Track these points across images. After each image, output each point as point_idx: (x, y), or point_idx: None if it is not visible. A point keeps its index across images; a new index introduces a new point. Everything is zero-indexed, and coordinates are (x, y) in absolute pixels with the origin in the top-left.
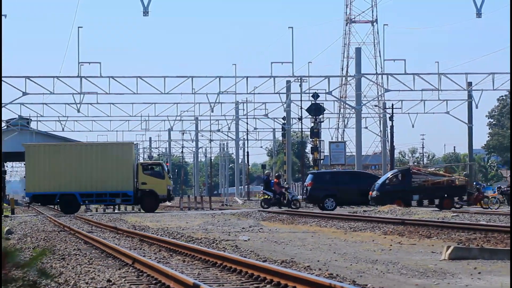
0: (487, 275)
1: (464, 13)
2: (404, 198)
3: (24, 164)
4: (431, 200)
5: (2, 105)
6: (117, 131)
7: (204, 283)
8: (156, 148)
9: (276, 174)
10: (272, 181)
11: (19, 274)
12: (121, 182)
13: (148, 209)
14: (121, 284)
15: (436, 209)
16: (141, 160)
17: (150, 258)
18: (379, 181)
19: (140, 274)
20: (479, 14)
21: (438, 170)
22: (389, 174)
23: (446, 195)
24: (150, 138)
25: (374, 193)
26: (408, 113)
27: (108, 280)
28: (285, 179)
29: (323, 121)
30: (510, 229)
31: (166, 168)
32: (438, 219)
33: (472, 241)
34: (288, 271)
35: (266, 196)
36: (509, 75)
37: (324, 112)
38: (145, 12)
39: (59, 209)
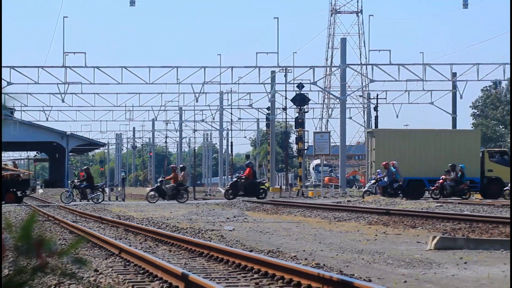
0: (473, 265)
1: (450, 4)
2: None
3: (373, 148)
4: None
5: None
6: (101, 121)
7: (193, 273)
8: (139, 138)
9: None
10: None
11: (58, 263)
12: (469, 169)
13: (494, 196)
14: (109, 274)
15: (416, 200)
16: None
17: (136, 247)
18: None
19: (127, 263)
20: (465, 5)
21: (5, 165)
22: None
23: (9, 189)
24: (134, 128)
25: None
26: (393, 103)
27: (95, 270)
28: (269, 169)
29: (307, 111)
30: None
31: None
32: (422, 209)
33: (457, 231)
34: (275, 261)
35: None
36: (493, 65)
37: (309, 102)
38: (132, 2)
39: (403, 194)
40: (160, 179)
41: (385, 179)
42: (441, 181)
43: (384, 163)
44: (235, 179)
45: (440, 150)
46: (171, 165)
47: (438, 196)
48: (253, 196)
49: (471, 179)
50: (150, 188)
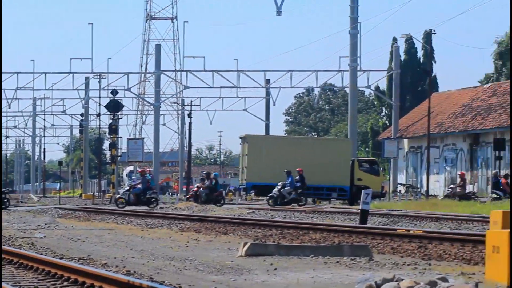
0: (283, 271)
1: (264, 11)
2: None
3: (246, 154)
4: None
5: None
6: None
7: (1, 281)
8: None
9: (504, 174)
10: (501, 180)
11: None
12: (339, 177)
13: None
14: None
15: (233, 206)
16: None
17: None
18: None
19: None
20: (279, 12)
21: None
22: None
23: None
24: None
25: None
26: (207, 110)
27: None
28: (82, 176)
29: (121, 118)
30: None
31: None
32: (234, 216)
33: (268, 238)
34: (86, 268)
35: (495, 196)
36: (306, 73)
37: (123, 109)
38: None
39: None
40: None
41: (140, 186)
42: (195, 189)
43: (140, 170)
44: None
45: (313, 157)
46: None
47: (193, 203)
48: None
49: (341, 187)
50: None
